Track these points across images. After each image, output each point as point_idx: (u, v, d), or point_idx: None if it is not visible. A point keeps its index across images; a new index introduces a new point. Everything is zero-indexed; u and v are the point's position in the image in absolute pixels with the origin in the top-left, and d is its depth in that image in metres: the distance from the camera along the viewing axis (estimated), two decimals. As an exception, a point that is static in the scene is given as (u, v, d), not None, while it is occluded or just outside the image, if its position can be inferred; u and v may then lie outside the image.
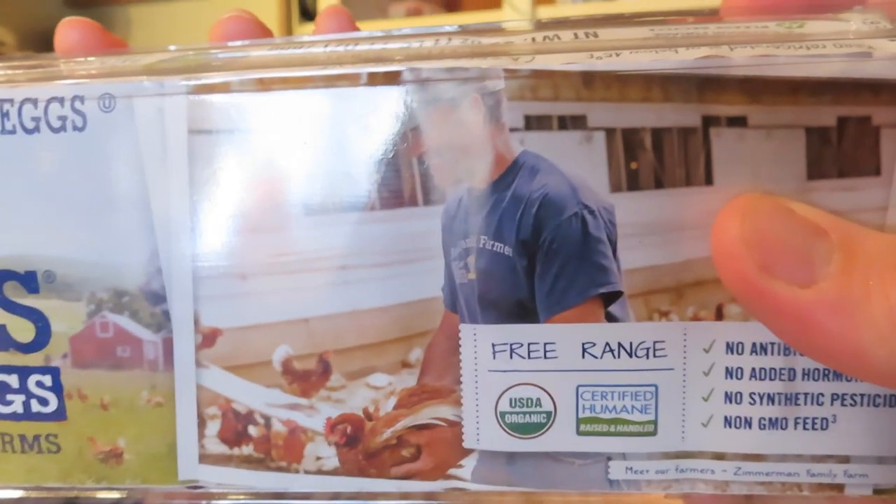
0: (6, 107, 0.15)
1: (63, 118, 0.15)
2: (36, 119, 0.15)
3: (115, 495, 0.17)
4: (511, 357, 0.16)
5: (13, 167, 0.16)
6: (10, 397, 0.16)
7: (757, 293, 0.13)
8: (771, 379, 0.15)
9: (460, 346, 0.16)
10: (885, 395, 0.15)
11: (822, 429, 0.15)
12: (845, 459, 0.15)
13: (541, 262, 0.15)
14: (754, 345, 0.15)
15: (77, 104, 0.15)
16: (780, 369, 0.15)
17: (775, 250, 0.13)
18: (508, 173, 0.15)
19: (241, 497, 0.17)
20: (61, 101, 0.15)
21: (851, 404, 0.15)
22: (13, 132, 0.15)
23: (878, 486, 0.15)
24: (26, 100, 0.15)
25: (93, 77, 0.15)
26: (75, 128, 0.15)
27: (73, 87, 0.15)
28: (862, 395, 0.15)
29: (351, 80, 0.15)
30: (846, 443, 0.15)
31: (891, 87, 0.14)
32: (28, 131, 0.15)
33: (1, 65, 0.16)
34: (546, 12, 0.99)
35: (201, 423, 0.16)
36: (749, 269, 0.13)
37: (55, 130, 0.15)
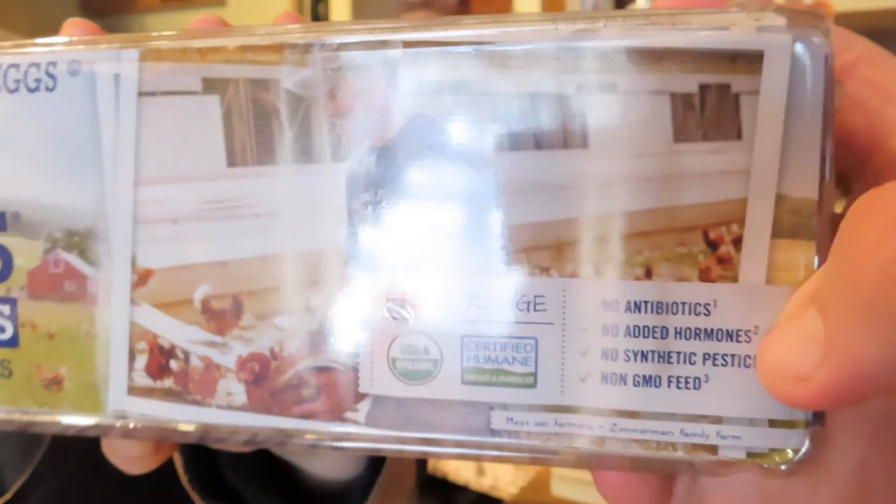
0: None
1: (38, 80, 0.18)
2: (17, 81, 0.18)
3: (56, 420, 0.18)
4: (403, 306, 0.16)
5: None
6: None
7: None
8: (644, 336, 0.16)
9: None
10: (756, 357, 0.15)
11: (694, 388, 0.15)
12: (718, 420, 0.15)
13: None
14: (629, 303, 0.16)
15: (50, 69, 0.18)
16: (654, 327, 0.15)
17: None
18: (403, 134, 0.16)
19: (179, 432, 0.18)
20: (38, 66, 0.18)
21: (723, 364, 0.15)
22: None
23: (751, 450, 0.15)
24: (11, 65, 0.18)
25: (66, 47, 0.18)
26: (47, 89, 0.18)
27: (48, 55, 0.18)
28: (733, 356, 0.15)
29: (276, 50, 0.17)
30: (718, 403, 0.15)
31: (746, 57, 0.15)
32: (10, 91, 0.18)
33: (5, 42, 0.19)
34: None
35: (131, 356, 0.18)
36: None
37: (31, 91, 0.18)
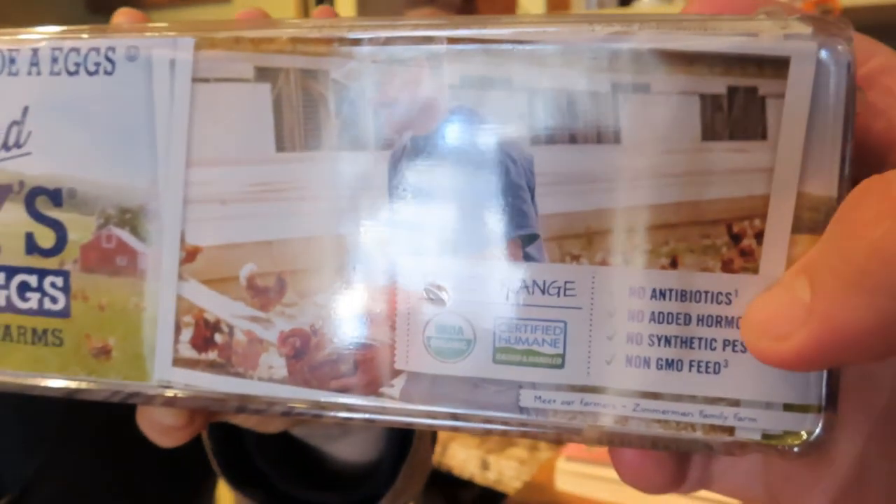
0: (56, 54, 0.19)
1: (98, 64, 0.19)
2: (77, 64, 0.19)
3: (103, 387, 0.19)
4: (439, 287, 0.17)
5: (58, 102, 0.19)
6: (28, 294, 0.19)
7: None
8: (668, 322, 0.16)
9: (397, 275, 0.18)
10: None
11: (714, 372, 0.16)
12: (735, 403, 0.16)
13: None
14: (654, 290, 0.16)
15: (109, 53, 0.18)
16: (677, 314, 0.16)
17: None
18: (445, 124, 0.17)
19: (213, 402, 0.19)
20: (98, 50, 0.19)
21: (742, 350, 0.16)
22: (59, 74, 0.19)
23: (766, 432, 0.16)
24: (72, 49, 0.19)
25: (125, 33, 0.19)
26: (106, 72, 0.18)
27: (107, 41, 0.18)
28: None
29: (326, 43, 0.18)
30: (736, 387, 0.16)
31: (773, 63, 0.16)
32: (70, 74, 0.19)
33: (65, 27, 0.20)
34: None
35: (177, 329, 0.19)
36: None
37: (91, 74, 0.19)
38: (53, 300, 0.19)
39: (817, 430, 0.16)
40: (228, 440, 0.35)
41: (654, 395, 0.16)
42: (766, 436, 0.16)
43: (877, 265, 0.13)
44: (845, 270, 0.13)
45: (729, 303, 0.16)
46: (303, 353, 0.18)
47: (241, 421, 0.27)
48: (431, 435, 0.41)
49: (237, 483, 0.35)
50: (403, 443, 0.35)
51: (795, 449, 0.16)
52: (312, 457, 0.36)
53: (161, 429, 0.22)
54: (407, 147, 0.17)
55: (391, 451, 0.35)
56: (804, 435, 0.16)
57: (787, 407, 0.16)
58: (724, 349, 0.16)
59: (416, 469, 0.35)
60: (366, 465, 0.36)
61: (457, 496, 1.13)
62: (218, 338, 0.18)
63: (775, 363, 0.15)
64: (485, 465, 1.03)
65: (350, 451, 0.36)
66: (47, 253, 0.19)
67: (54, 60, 0.19)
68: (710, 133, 0.16)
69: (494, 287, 0.17)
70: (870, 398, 0.17)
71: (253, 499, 0.35)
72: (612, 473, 0.18)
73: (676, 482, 0.19)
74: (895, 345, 0.13)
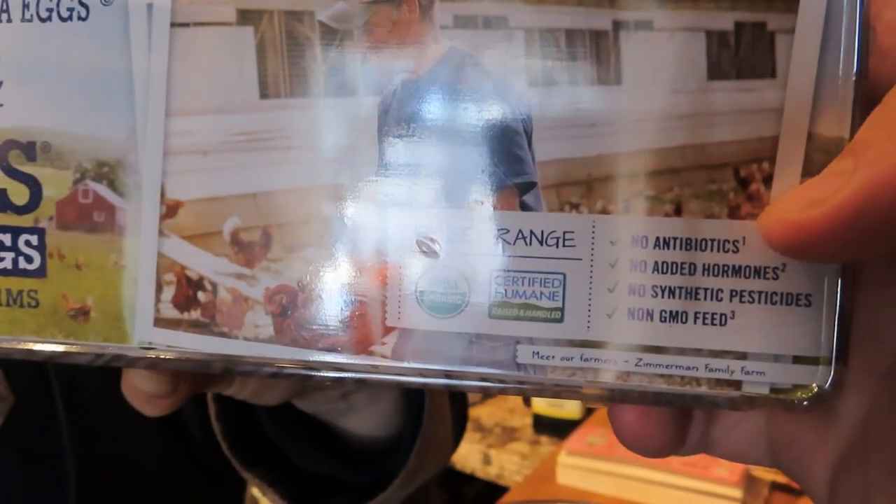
0: None
1: (71, 9, 0.18)
2: (49, 10, 0.18)
3: (82, 350, 0.18)
4: (432, 240, 0.17)
5: (30, 50, 0.18)
6: (2, 254, 0.18)
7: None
8: (672, 273, 0.16)
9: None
10: (782, 293, 0.15)
11: (720, 324, 0.16)
12: (742, 356, 0.15)
13: None
14: (657, 239, 0.16)
15: None
16: (682, 263, 0.16)
17: None
18: (437, 67, 0.16)
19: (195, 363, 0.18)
20: None
21: (749, 301, 0.15)
22: (31, 20, 0.18)
23: (774, 385, 0.15)
24: None
25: None
26: (80, 18, 0.18)
27: None
28: (760, 293, 0.15)
29: None
30: (743, 339, 0.15)
31: None
32: (42, 20, 0.18)
33: None
34: None
35: (158, 288, 0.18)
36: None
37: (64, 20, 0.18)
38: (28, 259, 0.18)
39: (828, 383, 0.15)
40: (238, 420, 0.34)
41: (658, 349, 0.16)
42: (774, 389, 0.15)
43: None
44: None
45: (736, 251, 0.15)
46: (290, 310, 0.17)
47: (235, 391, 0.26)
48: (456, 417, 0.40)
49: (247, 463, 0.34)
50: (421, 419, 0.34)
51: (805, 402, 0.15)
52: (327, 433, 0.35)
53: (144, 397, 0.22)
54: (397, 92, 0.16)
55: (410, 429, 0.34)
56: (815, 388, 0.15)
57: (797, 359, 0.15)
58: (730, 300, 0.15)
59: (431, 448, 0.34)
60: (382, 441, 0.35)
61: (460, 491, 1.13)
62: (201, 296, 0.18)
63: (802, 239, 0.12)
64: (486, 460, 1.03)
65: (361, 425, 0.35)
66: (21, 210, 0.18)
67: (25, 6, 0.18)
68: (716, 72, 0.15)
69: (490, 238, 0.16)
70: (876, 358, 0.16)
71: (263, 480, 0.34)
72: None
73: (677, 444, 0.18)
74: None
